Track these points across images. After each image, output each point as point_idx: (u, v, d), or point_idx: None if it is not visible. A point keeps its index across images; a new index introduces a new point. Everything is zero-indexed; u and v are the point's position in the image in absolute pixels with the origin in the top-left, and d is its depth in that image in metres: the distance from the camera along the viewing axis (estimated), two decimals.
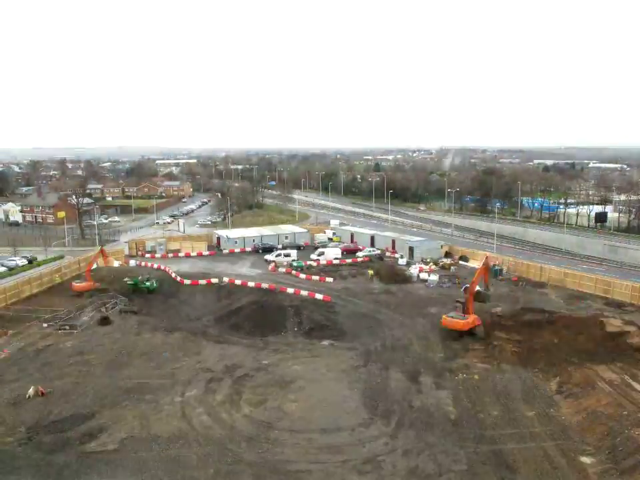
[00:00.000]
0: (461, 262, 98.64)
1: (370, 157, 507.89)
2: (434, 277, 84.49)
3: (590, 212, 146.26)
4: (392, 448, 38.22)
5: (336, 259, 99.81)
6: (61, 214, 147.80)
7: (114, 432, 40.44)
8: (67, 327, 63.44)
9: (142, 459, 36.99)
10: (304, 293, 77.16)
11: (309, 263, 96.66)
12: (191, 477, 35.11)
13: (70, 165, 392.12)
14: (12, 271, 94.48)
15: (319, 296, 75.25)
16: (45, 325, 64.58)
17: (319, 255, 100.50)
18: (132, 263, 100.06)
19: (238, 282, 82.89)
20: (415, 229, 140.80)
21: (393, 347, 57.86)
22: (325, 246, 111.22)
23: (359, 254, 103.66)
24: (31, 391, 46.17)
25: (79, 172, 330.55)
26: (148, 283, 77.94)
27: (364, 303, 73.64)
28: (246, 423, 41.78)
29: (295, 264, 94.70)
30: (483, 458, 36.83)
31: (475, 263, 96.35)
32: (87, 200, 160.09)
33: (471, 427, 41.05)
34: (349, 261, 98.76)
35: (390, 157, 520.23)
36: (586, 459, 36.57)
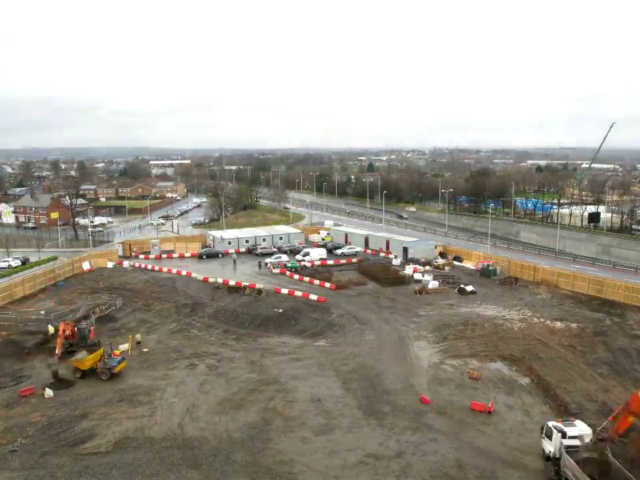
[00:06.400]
0: (455, 262, 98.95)
1: (364, 158, 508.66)
2: (428, 278, 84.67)
3: (583, 212, 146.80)
4: (385, 448, 38.29)
5: (320, 259, 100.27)
6: (54, 215, 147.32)
7: (108, 433, 40.37)
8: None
9: (136, 460, 36.92)
10: (298, 293, 77.33)
11: (302, 263, 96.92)
12: (185, 478, 35.07)
13: (63, 166, 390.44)
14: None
15: (313, 296, 75.47)
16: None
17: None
18: (125, 264, 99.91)
19: (232, 282, 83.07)
20: (409, 229, 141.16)
21: (387, 347, 57.97)
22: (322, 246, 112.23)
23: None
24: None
25: (72, 172, 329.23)
26: None
27: (358, 304, 73.82)
28: (240, 424, 41.76)
29: (289, 264, 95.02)
30: (476, 459, 36.97)
31: (469, 263, 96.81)
32: (80, 201, 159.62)
33: (463, 428, 41.19)
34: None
35: (384, 158, 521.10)
36: None
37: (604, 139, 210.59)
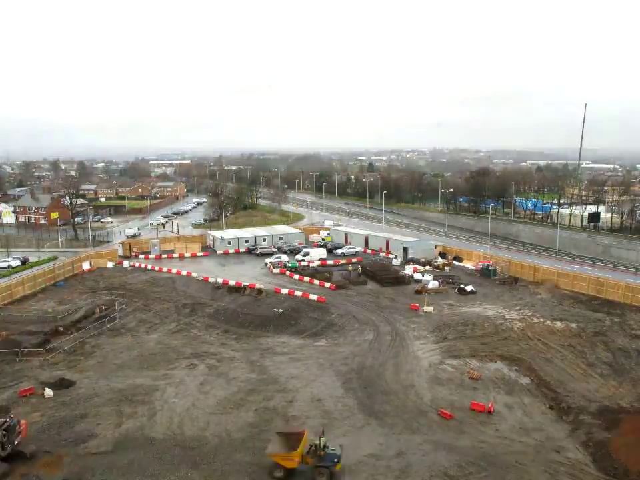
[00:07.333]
0: (455, 262, 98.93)
1: (364, 158, 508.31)
2: (428, 278, 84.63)
3: (583, 212, 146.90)
4: (385, 448, 38.27)
5: (320, 259, 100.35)
6: (54, 215, 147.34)
7: (108, 434, 40.32)
8: (61, 328, 63.23)
9: (136, 460, 36.88)
10: (298, 293, 77.32)
11: (302, 263, 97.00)
12: (185, 478, 35.04)
13: (63, 166, 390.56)
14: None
15: (313, 296, 75.46)
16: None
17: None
18: (125, 264, 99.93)
19: (232, 282, 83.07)
20: (409, 229, 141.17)
21: (387, 347, 57.96)
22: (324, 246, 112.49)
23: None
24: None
25: (72, 172, 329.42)
26: None
27: (358, 304, 73.82)
28: (240, 424, 41.73)
29: (289, 264, 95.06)
30: (476, 459, 36.95)
31: (469, 263, 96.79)
32: (80, 201, 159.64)
33: (463, 427, 41.16)
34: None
35: (384, 158, 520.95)
36: None
37: (583, 122, 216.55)
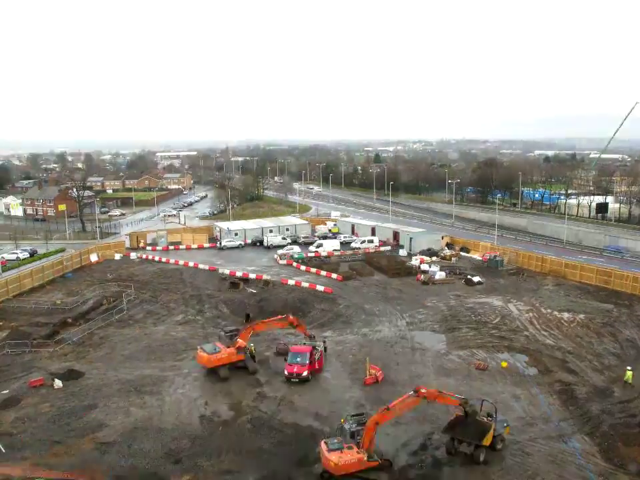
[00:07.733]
0: (462, 253, 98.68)
1: (370, 148, 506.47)
2: (435, 269, 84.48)
3: (591, 203, 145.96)
4: (393, 440, 38.38)
5: (335, 250, 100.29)
6: (62, 207, 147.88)
7: (117, 424, 40.66)
8: (70, 320, 63.66)
9: (144, 450, 37.20)
10: (305, 284, 77.41)
11: (309, 254, 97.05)
12: (194, 468, 35.32)
13: (70, 158, 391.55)
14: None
15: (320, 287, 75.52)
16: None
17: (317, 247, 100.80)
18: (133, 255, 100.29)
19: (239, 273, 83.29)
20: (415, 220, 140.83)
21: (394, 338, 58.02)
22: (325, 237, 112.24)
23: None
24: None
25: (80, 165, 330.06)
26: None
27: (365, 295, 73.85)
28: (248, 415, 41.96)
29: (295, 256, 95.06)
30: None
31: (476, 254, 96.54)
32: (87, 193, 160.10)
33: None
34: (348, 252, 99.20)
35: (390, 148, 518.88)
36: None
37: (625, 118, 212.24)
